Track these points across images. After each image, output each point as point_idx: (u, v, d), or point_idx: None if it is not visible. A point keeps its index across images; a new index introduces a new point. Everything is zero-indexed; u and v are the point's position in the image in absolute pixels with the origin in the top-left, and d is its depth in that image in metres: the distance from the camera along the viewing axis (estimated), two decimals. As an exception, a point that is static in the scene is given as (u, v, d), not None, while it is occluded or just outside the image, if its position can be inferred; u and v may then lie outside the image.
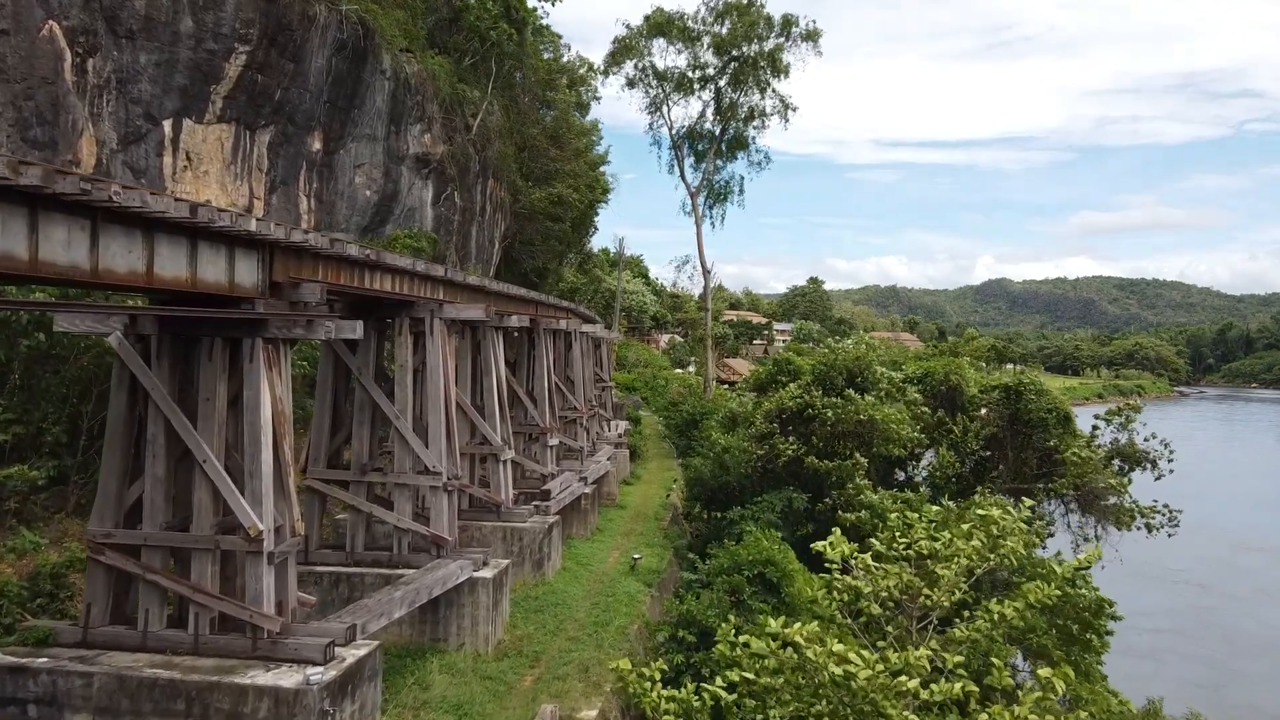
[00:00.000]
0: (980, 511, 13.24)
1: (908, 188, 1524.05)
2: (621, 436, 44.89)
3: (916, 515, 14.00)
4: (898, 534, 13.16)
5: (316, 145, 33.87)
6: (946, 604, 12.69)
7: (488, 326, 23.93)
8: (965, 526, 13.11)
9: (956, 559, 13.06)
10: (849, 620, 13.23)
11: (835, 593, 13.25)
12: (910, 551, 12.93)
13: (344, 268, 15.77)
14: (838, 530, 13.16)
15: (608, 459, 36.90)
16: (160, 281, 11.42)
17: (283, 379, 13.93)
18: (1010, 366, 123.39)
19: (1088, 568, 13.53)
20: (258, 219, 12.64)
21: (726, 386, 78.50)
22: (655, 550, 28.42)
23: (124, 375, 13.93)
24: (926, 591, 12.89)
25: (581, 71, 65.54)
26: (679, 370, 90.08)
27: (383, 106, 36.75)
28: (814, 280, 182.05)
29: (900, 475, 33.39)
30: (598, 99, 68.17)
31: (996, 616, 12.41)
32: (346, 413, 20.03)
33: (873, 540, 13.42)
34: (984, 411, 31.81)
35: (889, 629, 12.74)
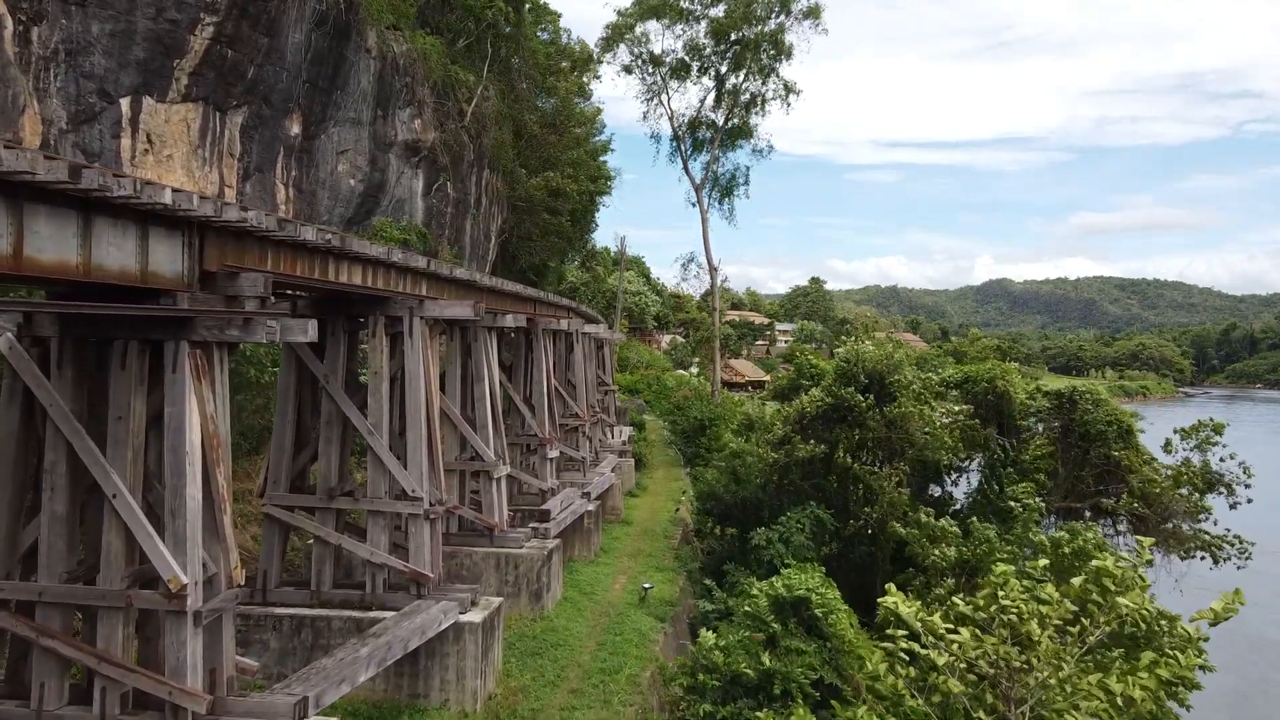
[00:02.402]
0: (1095, 562, 10.47)
1: (907, 188, 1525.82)
2: (625, 444, 42.20)
3: (1012, 568, 11.27)
4: (999, 591, 10.34)
5: (295, 129, 31.08)
6: (1054, 682, 9.97)
7: (479, 326, 21.22)
8: (1076, 581, 10.32)
9: (1053, 620, 10.35)
10: (920, 701, 10.45)
11: (900, 668, 10.49)
12: (1006, 616, 10.18)
13: (300, 256, 13.00)
14: (901, 591, 10.37)
15: (611, 470, 34.16)
16: (36, 267, 8.65)
17: (216, 392, 11.15)
18: (1014, 367, 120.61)
19: (1227, 619, 10.79)
20: (176, 190, 9.87)
21: (729, 389, 75.88)
22: (666, 575, 25.66)
23: (17, 387, 11.16)
24: (1022, 664, 10.14)
25: (580, 55, 62.58)
26: (680, 371, 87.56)
27: (368, 88, 33.98)
28: (815, 280, 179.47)
29: (936, 490, 30.52)
30: (598, 79, 65.47)
31: (1121, 700, 9.65)
32: (312, 427, 17.26)
33: (955, 600, 10.70)
34: (1031, 421, 28.91)
35: (980, 715, 9.98)
